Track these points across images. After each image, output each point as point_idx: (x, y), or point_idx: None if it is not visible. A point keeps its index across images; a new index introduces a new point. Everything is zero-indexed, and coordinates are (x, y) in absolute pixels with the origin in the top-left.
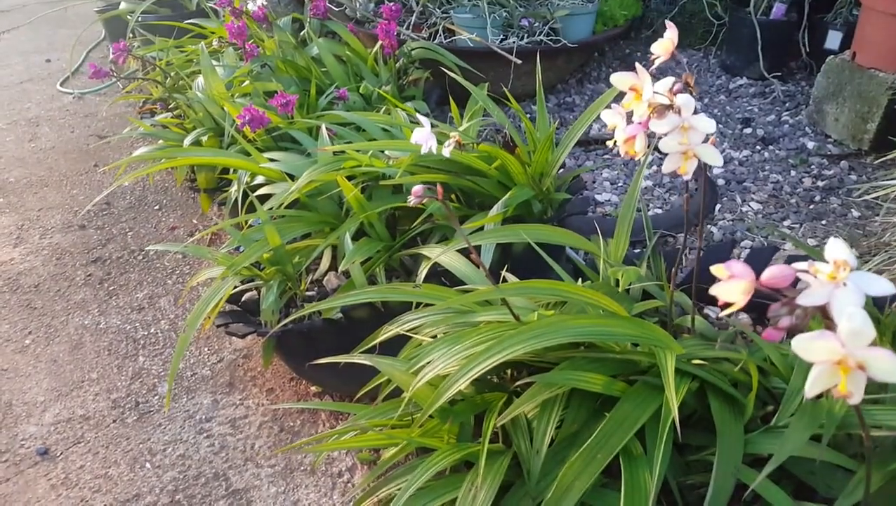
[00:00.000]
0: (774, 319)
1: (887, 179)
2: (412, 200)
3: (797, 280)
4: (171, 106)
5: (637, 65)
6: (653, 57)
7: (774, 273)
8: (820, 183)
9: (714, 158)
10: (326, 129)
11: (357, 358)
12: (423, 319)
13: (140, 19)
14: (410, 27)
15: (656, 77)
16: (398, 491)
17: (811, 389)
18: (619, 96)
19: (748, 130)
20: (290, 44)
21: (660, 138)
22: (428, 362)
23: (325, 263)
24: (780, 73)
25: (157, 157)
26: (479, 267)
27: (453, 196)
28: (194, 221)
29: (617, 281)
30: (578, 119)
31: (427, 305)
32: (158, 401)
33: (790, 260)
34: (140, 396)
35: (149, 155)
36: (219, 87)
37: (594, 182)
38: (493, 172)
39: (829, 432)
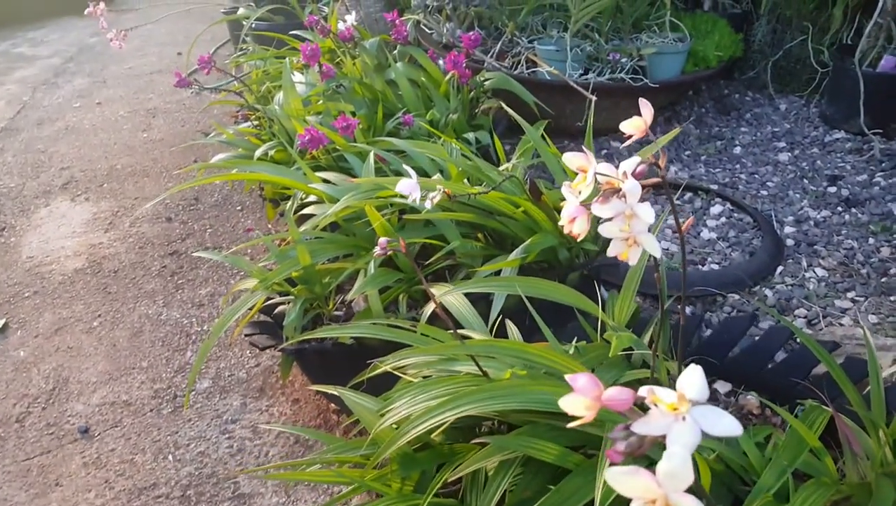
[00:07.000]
0: (613, 441)
1: None
2: (377, 252)
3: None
4: (251, 117)
5: (584, 147)
6: (625, 136)
7: (613, 395)
8: None
9: (654, 248)
10: (375, 155)
11: (333, 390)
12: (414, 360)
13: (254, 26)
14: (495, 54)
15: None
16: None
17: None
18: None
19: (833, 189)
20: (369, 66)
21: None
22: (392, 408)
23: (358, 284)
24: (881, 131)
25: (228, 166)
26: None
27: (481, 235)
28: (269, 226)
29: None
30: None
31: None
32: (194, 397)
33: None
34: (179, 389)
35: (221, 164)
36: (296, 103)
37: (656, 230)
38: (519, 216)
39: None
